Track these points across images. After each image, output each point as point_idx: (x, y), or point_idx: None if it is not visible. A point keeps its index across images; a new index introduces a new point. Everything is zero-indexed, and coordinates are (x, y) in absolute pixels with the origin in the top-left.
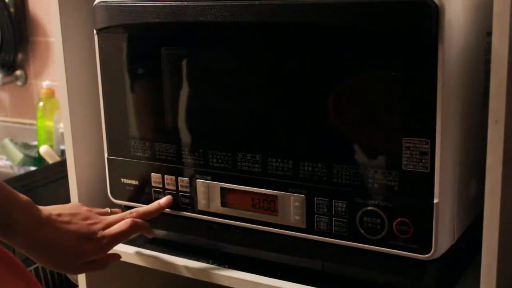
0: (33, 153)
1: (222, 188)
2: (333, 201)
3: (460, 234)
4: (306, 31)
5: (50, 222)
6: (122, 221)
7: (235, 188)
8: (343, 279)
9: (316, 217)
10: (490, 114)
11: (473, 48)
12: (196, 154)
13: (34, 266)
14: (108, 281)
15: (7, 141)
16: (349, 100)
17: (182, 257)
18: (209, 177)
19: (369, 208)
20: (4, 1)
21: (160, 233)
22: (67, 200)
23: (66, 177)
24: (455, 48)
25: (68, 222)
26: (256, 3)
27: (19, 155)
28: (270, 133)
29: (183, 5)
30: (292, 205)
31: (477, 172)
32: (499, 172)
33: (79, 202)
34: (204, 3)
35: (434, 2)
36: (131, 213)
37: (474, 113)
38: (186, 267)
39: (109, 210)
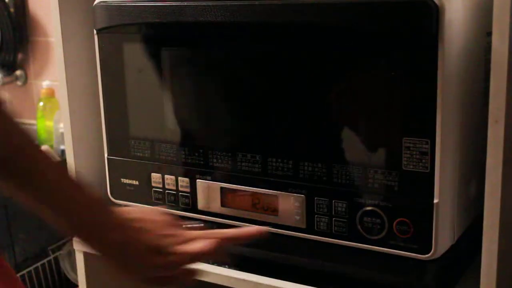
0: None
1: (222, 188)
2: (333, 201)
3: (460, 234)
4: (306, 31)
5: (121, 225)
6: (203, 240)
7: (235, 188)
8: (343, 279)
9: (316, 217)
10: (490, 114)
11: (473, 48)
12: (196, 154)
13: (34, 266)
14: (108, 281)
15: None
16: (349, 100)
17: None
18: (209, 177)
19: (369, 208)
20: (4, 1)
21: None
22: None
23: None
24: (455, 48)
25: (140, 230)
26: (256, 3)
27: None
28: (270, 133)
29: (183, 5)
30: (292, 205)
31: (477, 172)
32: (499, 172)
33: None
34: (204, 3)
35: (434, 2)
36: (215, 233)
37: (474, 113)
38: None
39: (189, 225)
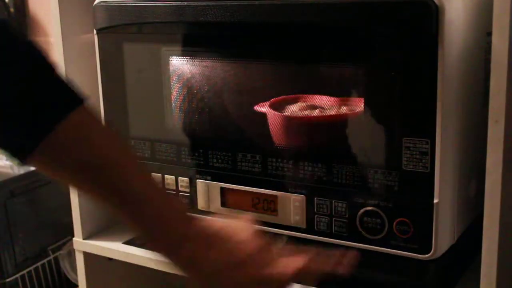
0: None
1: (222, 188)
2: (333, 201)
3: (460, 234)
4: (306, 31)
5: (220, 272)
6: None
7: (235, 188)
8: (343, 279)
9: (316, 217)
10: (490, 114)
11: (473, 48)
12: (196, 154)
13: (34, 266)
14: (108, 281)
15: None
16: (349, 100)
17: None
18: (209, 177)
19: (369, 208)
20: (4, 1)
21: None
22: (67, 200)
23: None
24: (455, 48)
25: (244, 264)
26: (256, 3)
27: None
28: (270, 133)
29: (183, 5)
30: (292, 205)
31: (477, 172)
32: (499, 172)
33: (79, 202)
34: (204, 3)
35: (434, 2)
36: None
37: (474, 113)
38: None
39: (284, 240)
